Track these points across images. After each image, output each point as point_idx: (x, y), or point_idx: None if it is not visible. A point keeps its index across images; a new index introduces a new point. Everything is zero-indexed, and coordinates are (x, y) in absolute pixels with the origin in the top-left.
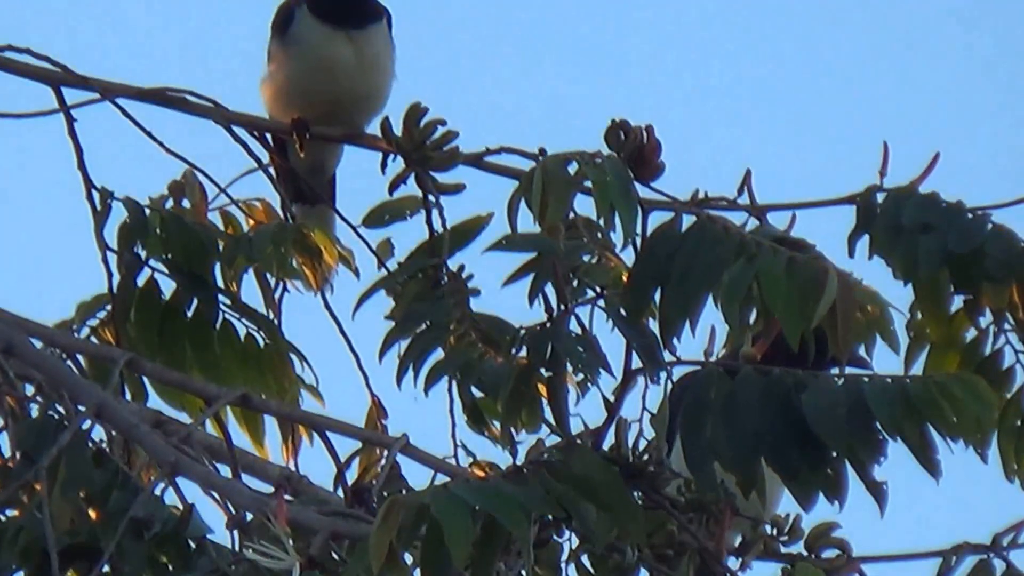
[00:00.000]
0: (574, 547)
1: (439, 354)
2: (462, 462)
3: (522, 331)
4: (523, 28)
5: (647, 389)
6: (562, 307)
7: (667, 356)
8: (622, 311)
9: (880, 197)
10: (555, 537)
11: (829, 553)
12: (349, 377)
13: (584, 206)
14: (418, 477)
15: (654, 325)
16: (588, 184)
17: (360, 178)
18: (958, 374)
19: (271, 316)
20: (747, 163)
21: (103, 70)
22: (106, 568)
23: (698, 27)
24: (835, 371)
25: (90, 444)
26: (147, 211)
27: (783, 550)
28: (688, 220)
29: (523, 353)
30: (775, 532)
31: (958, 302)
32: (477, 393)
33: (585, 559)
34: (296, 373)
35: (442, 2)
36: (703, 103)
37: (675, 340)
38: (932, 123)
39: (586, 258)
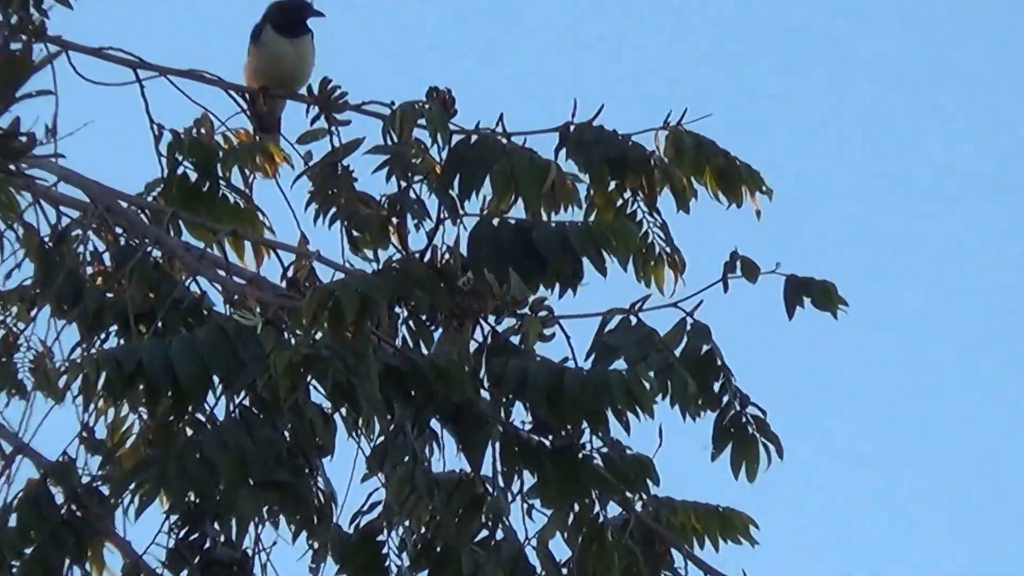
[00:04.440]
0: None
1: (334, 209)
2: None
3: (384, 197)
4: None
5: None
6: (405, 183)
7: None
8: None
9: (572, 128)
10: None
11: (544, 313)
12: (288, 223)
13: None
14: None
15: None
16: (422, 120)
17: (295, 117)
18: (614, 221)
19: (247, 191)
20: (503, 108)
21: (162, 58)
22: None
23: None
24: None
25: (152, 259)
26: (182, 135)
27: (519, 311)
28: (474, 139)
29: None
30: (514, 302)
31: (613, 186)
32: (356, 233)
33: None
34: (260, 221)
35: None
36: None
37: (466, 202)
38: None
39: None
